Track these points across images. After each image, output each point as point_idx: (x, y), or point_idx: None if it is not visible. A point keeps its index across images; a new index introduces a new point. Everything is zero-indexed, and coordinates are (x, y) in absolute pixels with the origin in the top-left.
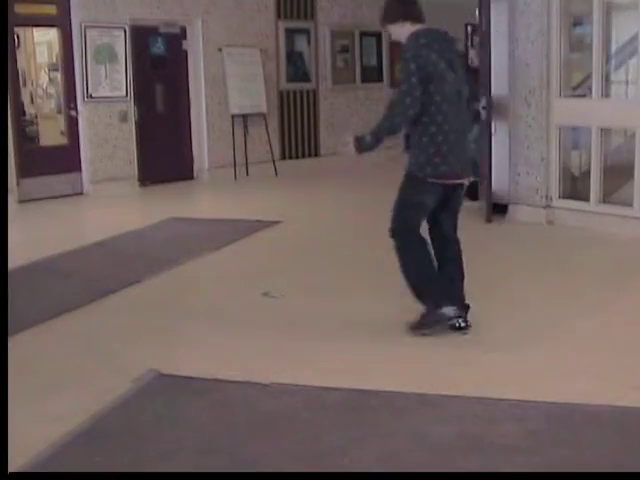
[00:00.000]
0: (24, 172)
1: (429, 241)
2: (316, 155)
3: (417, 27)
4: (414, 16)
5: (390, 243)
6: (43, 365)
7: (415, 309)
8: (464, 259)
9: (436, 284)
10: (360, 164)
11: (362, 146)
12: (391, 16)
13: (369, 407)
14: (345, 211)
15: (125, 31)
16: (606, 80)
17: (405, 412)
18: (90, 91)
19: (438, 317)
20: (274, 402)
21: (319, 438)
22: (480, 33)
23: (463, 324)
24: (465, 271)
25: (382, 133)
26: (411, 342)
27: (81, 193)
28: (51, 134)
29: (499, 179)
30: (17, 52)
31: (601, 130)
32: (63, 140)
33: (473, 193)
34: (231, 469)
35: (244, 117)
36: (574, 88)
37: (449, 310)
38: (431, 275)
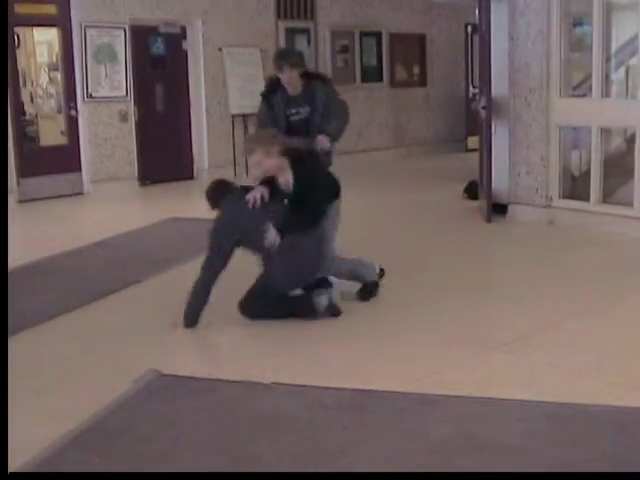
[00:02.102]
0: (24, 172)
1: None
2: None
3: None
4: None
5: (393, 244)
6: (43, 365)
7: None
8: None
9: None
10: (360, 165)
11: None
12: None
13: (369, 407)
14: (345, 213)
15: (125, 31)
16: (606, 80)
17: (405, 412)
18: (90, 91)
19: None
20: (274, 402)
21: (319, 438)
22: (480, 33)
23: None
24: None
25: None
26: (410, 342)
27: (81, 193)
28: (51, 134)
29: (499, 179)
30: (17, 52)
31: (601, 130)
32: (63, 140)
33: (473, 193)
34: (231, 469)
35: (244, 117)
36: (574, 88)
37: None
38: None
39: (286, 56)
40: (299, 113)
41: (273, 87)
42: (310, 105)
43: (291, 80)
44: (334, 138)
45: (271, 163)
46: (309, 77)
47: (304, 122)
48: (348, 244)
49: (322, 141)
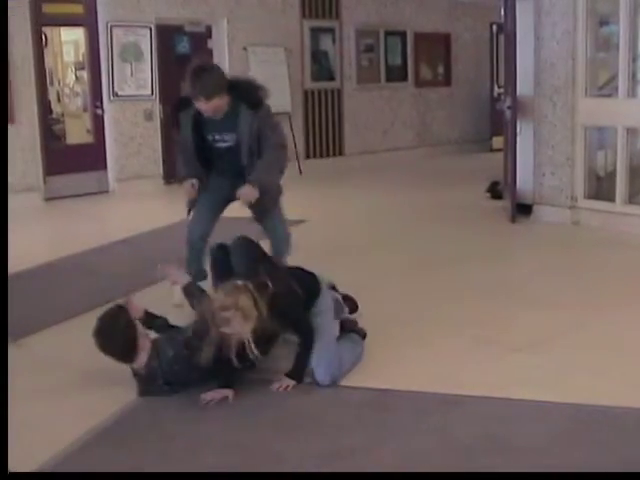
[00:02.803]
0: (50, 170)
1: None
2: (340, 154)
3: None
4: None
5: (416, 243)
6: (66, 363)
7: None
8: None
9: None
10: (384, 164)
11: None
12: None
13: (391, 407)
14: (370, 211)
15: (151, 30)
16: (632, 80)
17: (427, 412)
18: (116, 89)
19: None
20: (296, 400)
21: (341, 437)
22: (505, 32)
23: None
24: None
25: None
26: (432, 342)
27: (107, 191)
28: (77, 132)
29: (524, 179)
30: (45, 51)
31: (627, 130)
32: (89, 138)
33: (496, 193)
34: (253, 468)
35: None
36: (600, 88)
37: None
38: None
39: (201, 84)
40: (224, 140)
41: (186, 101)
42: (235, 132)
43: (208, 110)
44: (263, 184)
45: (247, 329)
46: (234, 95)
47: (232, 151)
48: (371, 245)
49: (246, 195)
